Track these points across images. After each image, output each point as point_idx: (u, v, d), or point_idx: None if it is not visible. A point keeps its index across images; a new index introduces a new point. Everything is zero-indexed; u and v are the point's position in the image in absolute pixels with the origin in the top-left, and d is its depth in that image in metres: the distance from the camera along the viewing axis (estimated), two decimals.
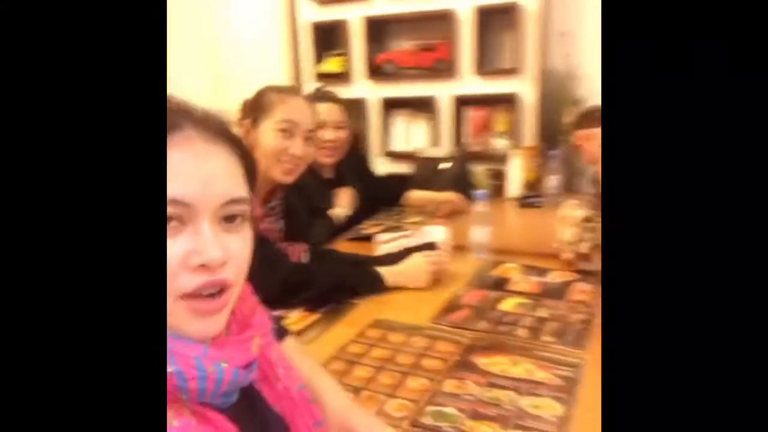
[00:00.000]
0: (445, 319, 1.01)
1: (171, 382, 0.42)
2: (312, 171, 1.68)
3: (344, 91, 2.07)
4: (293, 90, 1.20)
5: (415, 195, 1.92)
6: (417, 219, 1.75)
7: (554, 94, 2.16)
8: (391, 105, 2.47)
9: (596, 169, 1.77)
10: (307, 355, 0.76)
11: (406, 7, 2.31)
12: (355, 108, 1.90)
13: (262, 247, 1.10)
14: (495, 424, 0.69)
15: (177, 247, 0.43)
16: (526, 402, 0.74)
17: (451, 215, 1.77)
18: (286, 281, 1.04)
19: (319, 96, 1.68)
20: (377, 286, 1.13)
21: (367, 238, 1.51)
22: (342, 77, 2.46)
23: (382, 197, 1.87)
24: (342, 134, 1.67)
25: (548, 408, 0.72)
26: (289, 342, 0.76)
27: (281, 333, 0.75)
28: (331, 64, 2.53)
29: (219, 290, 0.45)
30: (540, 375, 0.80)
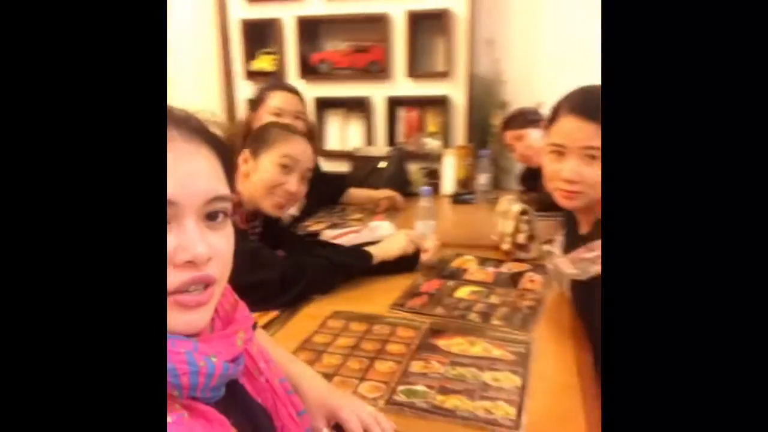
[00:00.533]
0: (405, 305, 1.06)
1: None
2: None
3: None
4: (297, 129, 1.25)
5: (355, 193, 1.97)
6: (358, 216, 1.80)
7: (482, 97, 2.29)
8: (326, 104, 2.51)
9: (528, 165, 1.92)
10: (278, 344, 0.79)
11: (339, 8, 2.35)
12: None
13: (256, 250, 1.10)
14: (463, 397, 0.76)
15: None
16: (487, 376, 0.81)
17: (390, 211, 1.84)
18: (285, 275, 1.06)
19: (277, 85, 1.69)
20: (367, 263, 1.19)
21: (313, 236, 1.54)
22: (274, 76, 2.46)
23: (324, 195, 1.90)
24: (300, 124, 1.68)
25: (508, 380, 0.80)
26: (258, 333, 0.77)
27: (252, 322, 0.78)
28: (263, 62, 2.52)
29: (205, 286, 0.47)
30: (496, 352, 0.88)
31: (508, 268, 1.27)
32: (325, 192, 1.91)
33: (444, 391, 0.78)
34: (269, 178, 1.12)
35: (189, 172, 0.46)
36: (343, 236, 1.42)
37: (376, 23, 2.31)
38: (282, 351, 0.77)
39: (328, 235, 1.45)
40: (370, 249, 1.21)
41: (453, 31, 2.23)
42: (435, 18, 2.25)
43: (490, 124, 2.27)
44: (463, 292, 1.13)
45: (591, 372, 0.83)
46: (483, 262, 1.32)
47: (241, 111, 2.57)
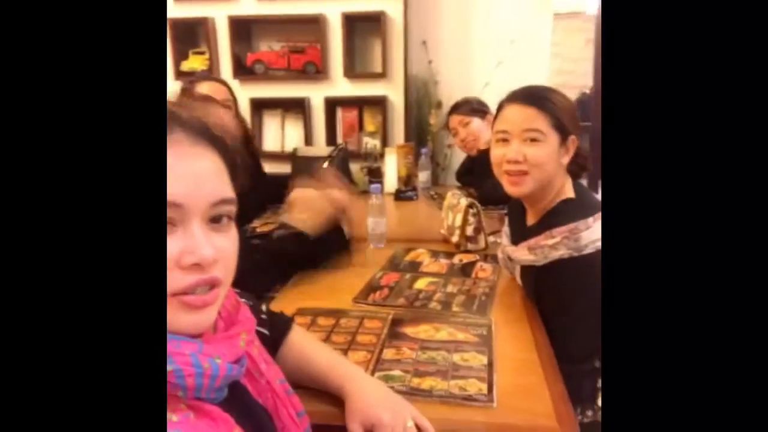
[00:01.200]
0: (367, 299, 1.10)
1: (169, 380, 0.44)
2: None
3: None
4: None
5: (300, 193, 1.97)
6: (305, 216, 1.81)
7: (418, 97, 2.37)
8: (262, 105, 2.48)
9: (468, 155, 2.01)
10: (322, 343, 0.79)
11: (272, 9, 2.34)
12: None
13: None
14: (437, 378, 0.81)
15: (170, 246, 0.45)
16: (456, 357, 0.86)
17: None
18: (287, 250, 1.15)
19: (205, 77, 1.77)
20: (306, 241, 1.23)
21: (263, 237, 1.53)
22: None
23: (269, 195, 1.90)
24: (229, 112, 1.68)
25: (475, 360, 0.86)
26: (299, 331, 0.78)
27: (287, 323, 0.78)
28: (194, 62, 2.46)
29: (210, 287, 0.48)
30: (461, 336, 0.94)
31: (459, 259, 1.34)
32: (269, 192, 1.91)
33: (418, 373, 0.82)
34: None
35: (195, 175, 0.47)
36: None
37: (312, 24, 2.32)
38: (328, 350, 0.77)
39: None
40: (296, 225, 1.22)
41: (388, 32, 2.29)
42: (370, 20, 2.30)
43: (428, 122, 2.35)
44: (422, 283, 1.18)
45: (548, 348, 0.91)
46: (435, 254, 1.38)
47: None
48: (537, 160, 1.01)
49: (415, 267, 1.29)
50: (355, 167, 2.27)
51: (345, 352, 0.89)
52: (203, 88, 1.64)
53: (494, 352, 0.89)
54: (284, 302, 1.11)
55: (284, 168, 2.34)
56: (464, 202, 1.38)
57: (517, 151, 1.02)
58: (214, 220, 0.48)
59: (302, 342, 0.76)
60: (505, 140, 1.04)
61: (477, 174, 2.00)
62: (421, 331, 0.96)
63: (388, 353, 0.89)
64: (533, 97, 1.03)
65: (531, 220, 1.10)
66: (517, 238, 1.12)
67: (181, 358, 0.44)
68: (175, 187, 0.44)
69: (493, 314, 1.04)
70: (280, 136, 2.50)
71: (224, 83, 1.73)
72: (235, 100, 1.75)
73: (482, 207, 1.83)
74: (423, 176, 2.15)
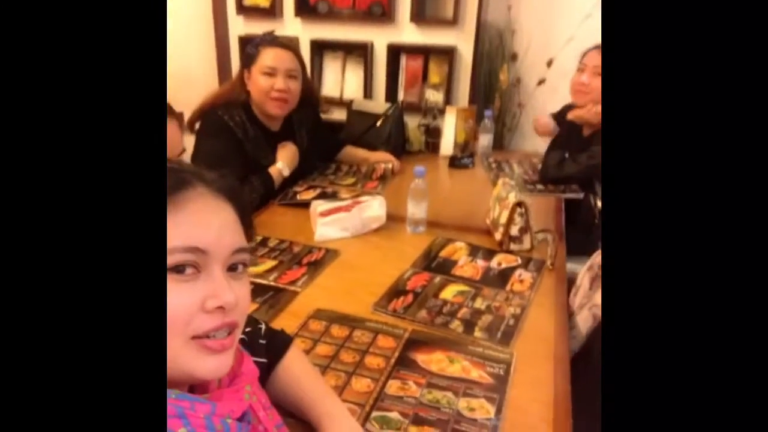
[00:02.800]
0: (387, 307, 1.05)
1: None
2: (258, 124, 1.61)
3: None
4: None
5: (351, 151, 1.91)
6: (351, 180, 1.75)
7: (491, 48, 2.15)
8: (324, 47, 2.37)
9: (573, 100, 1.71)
10: (314, 371, 0.78)
11: None
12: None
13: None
14: (436, 430, 0.76)
15: (195, 291, 0.48)
16: (462, 404, 0.81)
17: (385, 176, 1.78)
18: None
19: (269, 41, 1.57)
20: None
21: (303, 204, 1.50)
22: (269, 13, 2.30)
23: (322, 149, 1.85)
24: (293, 85, 1.58)
25: (482, 410, 0.80)
26: (295, 354, 0.78)
27: (285, 344, 0.78)
28: None
29: (229, 332, 0.51)
30: (474, 373, 0.88)
31: (498, 262, 1.24)
32: (323, 146, 1.86)
33: (417, 420, 0.78)
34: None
35: (218, 225, 0.50)
36: (332, 213, 1.38)
37: None
38: (317, 381, 0.77)
39: (319, 209, 1.41)
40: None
41: None
42: None
43: (498, 78, 2.15)
44: (449, 293, 1.11)
45: (566, 404, 0.83)
46: (474, 252, 1.29)
47: (234, 47, 2.43)
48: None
49: (448, 267, 1.21)
50: (412, 123, 2.14)
51: (349, 376, 0.86)
52: (267, 56, 1.54)
53: (505, 400, 0.82)
54: (306, 298, 1.09)
55: (340, 115, 2.24)
56: (512, 198, 1.26)
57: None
58: (231, 268, 0.52)
59: (294, 368, 0.76)
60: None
61: (551, 142, 1.81)
62: (434, 360, 0.91)
63: (393, 386, 0.84)
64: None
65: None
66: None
67: (196, 420, 0.46)
68: (202, 235, 0.48)
69: (518, 345, 0.96)
70: (339, 80, 2.39)
71: (291, 49, 1.60)
72: (303, 67, 1.64)
73: (541, 185, 1.69)
74: (484, 140, 1.99)
